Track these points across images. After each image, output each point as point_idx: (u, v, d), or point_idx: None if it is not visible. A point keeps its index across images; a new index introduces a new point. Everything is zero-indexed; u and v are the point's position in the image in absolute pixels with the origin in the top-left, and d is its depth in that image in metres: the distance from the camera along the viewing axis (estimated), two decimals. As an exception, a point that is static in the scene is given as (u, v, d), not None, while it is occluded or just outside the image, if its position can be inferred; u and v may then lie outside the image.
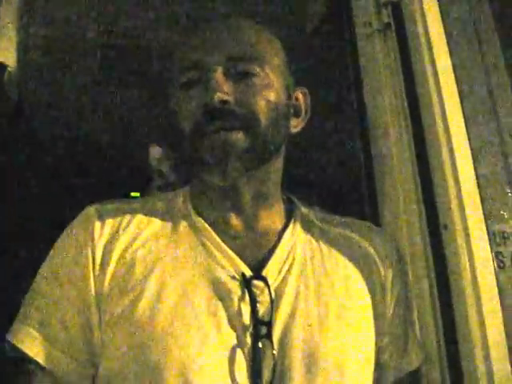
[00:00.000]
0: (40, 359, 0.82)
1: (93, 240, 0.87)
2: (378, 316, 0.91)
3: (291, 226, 0.93)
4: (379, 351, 0.91)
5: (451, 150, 0.96)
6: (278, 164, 0.94)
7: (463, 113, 1.00)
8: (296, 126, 0.96)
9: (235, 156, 0.83)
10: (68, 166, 2.74)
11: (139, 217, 0.92)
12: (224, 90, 0.84)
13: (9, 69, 1.24)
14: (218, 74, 0.85)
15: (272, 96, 0.88)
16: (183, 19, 1.94)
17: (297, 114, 0.96)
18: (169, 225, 0.91)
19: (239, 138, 0.84)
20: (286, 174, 0.99)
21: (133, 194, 2.49)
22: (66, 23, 2.18)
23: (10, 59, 1.27)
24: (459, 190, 0.94)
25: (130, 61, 2.29)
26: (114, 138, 2.70)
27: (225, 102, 0.84)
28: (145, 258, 0.86)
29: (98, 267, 0.85)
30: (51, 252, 0.91)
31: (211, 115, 0.83)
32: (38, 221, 2.42)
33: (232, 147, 0.83)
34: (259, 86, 0.87)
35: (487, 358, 0.89)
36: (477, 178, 0.97)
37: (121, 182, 2.48)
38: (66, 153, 2.72)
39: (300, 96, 0.97)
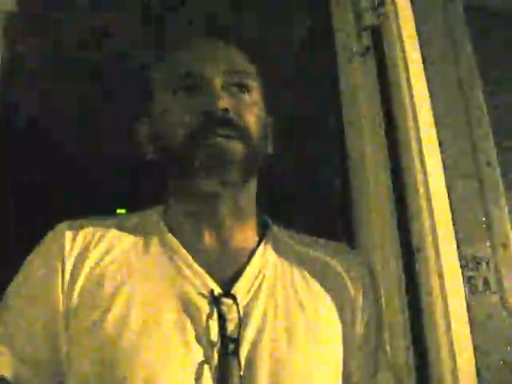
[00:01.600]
0: (7, 374, 0.81)
1: (63, 255, 0.86)
2: (347, 338, 0.90)
3: (263, 244, 0.93)
4: (348, 375, 0.90)
5: (425, 175, 0.97)
6: (255, 181, 0.95)
7: (438, 137, 1.01)
8: (268, 148, 0.98)
9: (234, 164, 0.84)
10: (52, 181, 2.74)
11: (112, 233, 0.91)
12: (225, 100, 0.86)
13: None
14: (219, 85, 0.88)
15: (259, 113, 0.91)
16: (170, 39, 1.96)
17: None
18: (140, 241, 0.91)
19: (237, 146, 0.85)
20: (264, 196, 1.00)
21: (119, 210, 2.49)
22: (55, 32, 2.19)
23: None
24: (432, 215, 0.95)
25: (119, 74, 2.29)
26: (100, 153, 2.70)
27: (226, 111, 0.85)
28: (115, 274, 0.86)
29: (67, 282, 0.85)
30: (23, 267, 0.91)
31: (213, 123, 0.84)
32: (14, 237, 2.41)
33: (231, 155, 0.84)
34: (250, 102, 0.90)
35: (456, 382, 0.88)
36: (450, 202, 0.97)
37: (107, 199, 2.48)
38: (51, 167, 2.71)
39: (268, 123, 0.99)
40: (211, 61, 0.91)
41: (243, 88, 0.91)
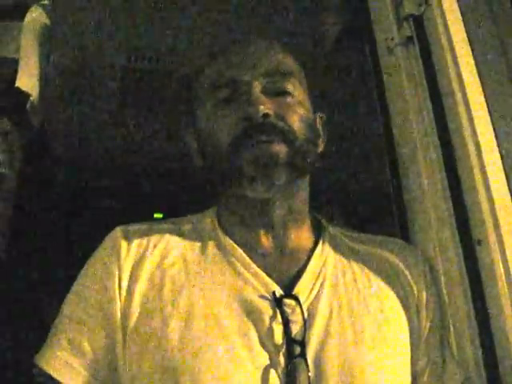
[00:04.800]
0: (69, 383, 0.81)
1: (119, 261, 0.86)
2: (413, 335, 0.88)
3: (320, 244, 0.92)
4: (417, 373, 0.88)
5: (482, 163, 0.94)
6: (307, 182, 0.95)
7: (492, 125, 0.97)
8: (320, 147, 0.97)
9: (279, 167, 0.84)
10: (91, 190, 2.77)
11: (167, 237, 0.91)
12: (266, 104, 0.85)
13: (31, 98, 1.26)
14: (258, 90, 0.87)
15: (305, 114, 0.90)
16: (206, 43, 1.95)
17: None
18: (197, 245, 0.90)
19: (281, 149, 0.84)
20: (315, 194, 0.99)
21: (156, 215, 2.50)
22: (88, 48, 2.20)
23: (33, 88, 1.28)
24: (492, 204, 0.92)
25: (152, 85, 2.30)
26: (136, 161, 2.72)
27: (266, 116, 0.84)
28: (174, 279, 0.85)
29: (124, 288, 0.85)
30: (79, 275, 0.92)
31: (253, 129, 0.84)
32: (61, 248, 2.44)
33: (276, 158, 0.83)
34: (294, 103, 0.89)
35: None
36: (510, 190, 0.94)
37: (144, 204, 2.49)
38: (89, 176, 2.74)
39: (318, 120, 0.98)
40: (250, 64, 0.89)
41: (284, 91, 0.90)
